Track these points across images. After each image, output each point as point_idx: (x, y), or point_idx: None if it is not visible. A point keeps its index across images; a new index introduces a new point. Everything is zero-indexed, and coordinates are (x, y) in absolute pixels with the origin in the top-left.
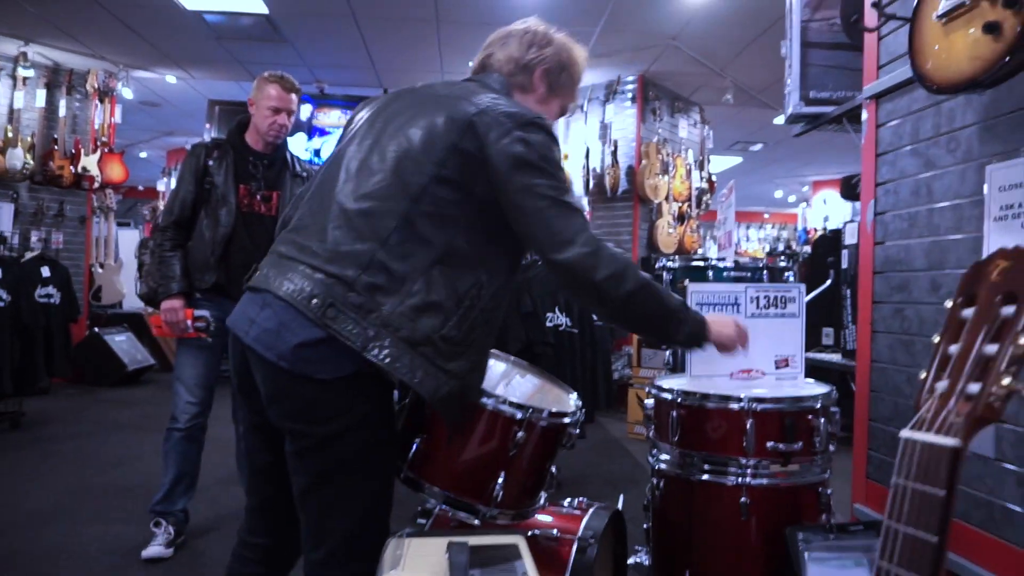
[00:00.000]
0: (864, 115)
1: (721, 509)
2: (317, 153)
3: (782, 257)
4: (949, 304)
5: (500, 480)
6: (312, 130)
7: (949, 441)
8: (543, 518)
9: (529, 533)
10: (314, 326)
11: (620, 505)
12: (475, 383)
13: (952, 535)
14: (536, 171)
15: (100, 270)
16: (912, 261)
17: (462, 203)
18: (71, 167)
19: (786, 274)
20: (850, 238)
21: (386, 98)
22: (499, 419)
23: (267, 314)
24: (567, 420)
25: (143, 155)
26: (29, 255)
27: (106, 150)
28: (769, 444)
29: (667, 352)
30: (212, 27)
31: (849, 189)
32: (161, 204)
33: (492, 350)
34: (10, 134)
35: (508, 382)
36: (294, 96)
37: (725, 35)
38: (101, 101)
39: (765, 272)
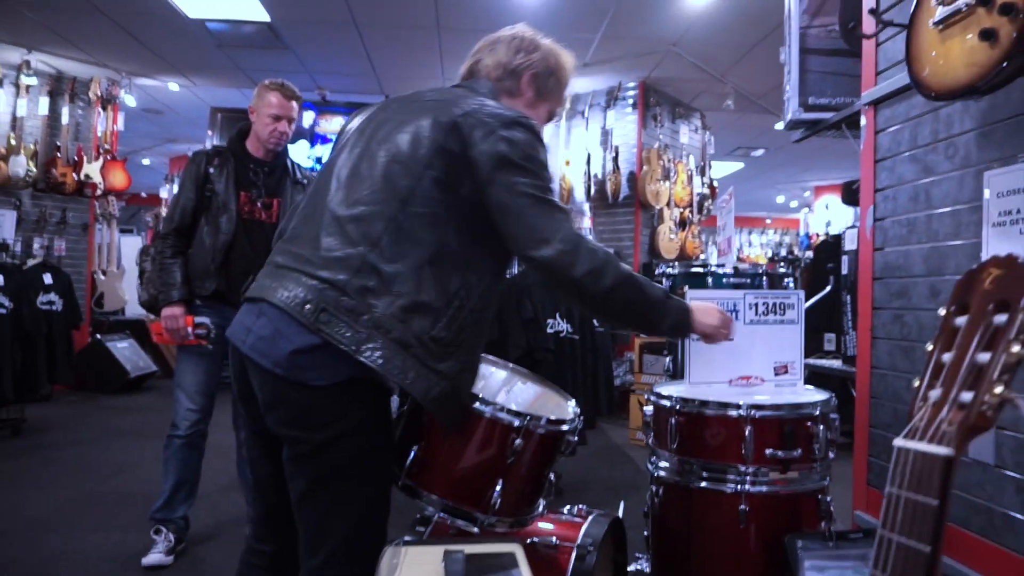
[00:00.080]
0: (863, 121)
1: (720, 517)
2: (319, 160)
3: (782, 263)
4: (943, 312)
5: (498, 488)
6: (315, 137)
7: (942, 450)
8: (542, 525)
9: (528, 541)
10: (309, 332)
11: (620, 512)
12: (466, 384)
13: (952, 542)
14: (518, 169)
15: (102, 277)
16: (911, 267)
17: (450, 204)
18: (74, 174)
19: (786, 280)
20: (850, 244)
21: (376, 107)
22: (497, 426)
23: (263, 322)
24: (565, 427)
25: (146, 162)
26: (32, 262)
27: (109, 157)
28: (768, 451)
29: (667, 359)
30: (214, 35)
31: (850, 194)
32: (164, 211)
33: (493, 357)
34: (13, 142)
35: (509, 389)
36: (295, 103)
37: (725, 41)
38: (104, 108)
39: (764, 278)
